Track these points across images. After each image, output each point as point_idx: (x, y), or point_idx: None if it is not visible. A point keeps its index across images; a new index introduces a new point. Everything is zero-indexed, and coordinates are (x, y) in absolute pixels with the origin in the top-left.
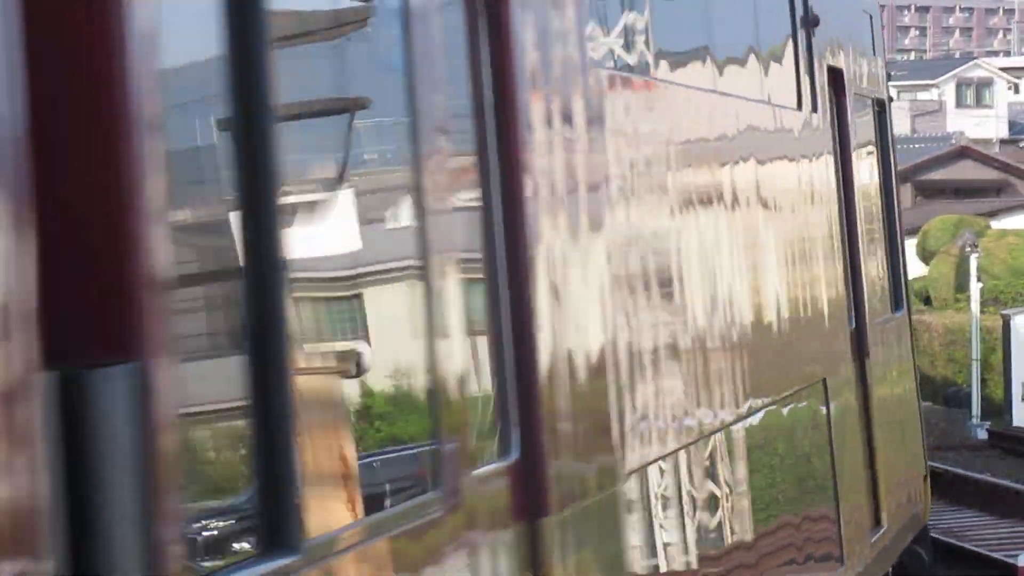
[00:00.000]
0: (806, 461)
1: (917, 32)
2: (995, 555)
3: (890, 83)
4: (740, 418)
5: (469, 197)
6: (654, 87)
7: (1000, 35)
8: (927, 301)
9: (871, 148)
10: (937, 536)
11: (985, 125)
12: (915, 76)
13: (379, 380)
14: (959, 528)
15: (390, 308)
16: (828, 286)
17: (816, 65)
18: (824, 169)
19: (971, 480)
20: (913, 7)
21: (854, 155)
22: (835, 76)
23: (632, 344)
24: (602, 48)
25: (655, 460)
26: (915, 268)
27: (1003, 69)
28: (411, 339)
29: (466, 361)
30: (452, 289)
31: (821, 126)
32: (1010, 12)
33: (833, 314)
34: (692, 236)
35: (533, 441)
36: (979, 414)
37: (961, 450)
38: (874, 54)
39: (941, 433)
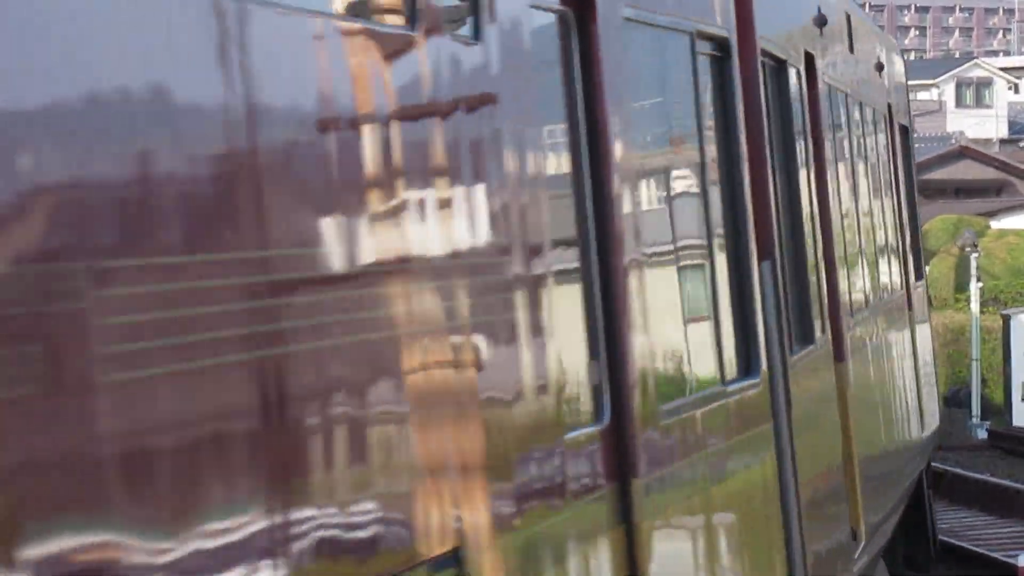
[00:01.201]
0: None
1: (917, 32)
2: (995, 555)
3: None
4: None
5: None
6: None
7: (1000, 35)
8: (928, 301)
9: (682, 115)
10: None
11: (985, 125)
12: (915, 76)
13: None
14: (959, 528)
15: None
16: (497, 369)
17: None
18: (507, 146)
19: (971, 480)
20: (913, 7)
21: (616, 123)
22: None
23: None
24: None
25: None
26: None
27: (1003, 69)
28: None
29: None
30: None
31: (497, 66)
32: (1010, 12)
33: (504, 422)
34: None
35: None
36: (979, 414)
37: (961, 450)
38: None
39: (942, 433)
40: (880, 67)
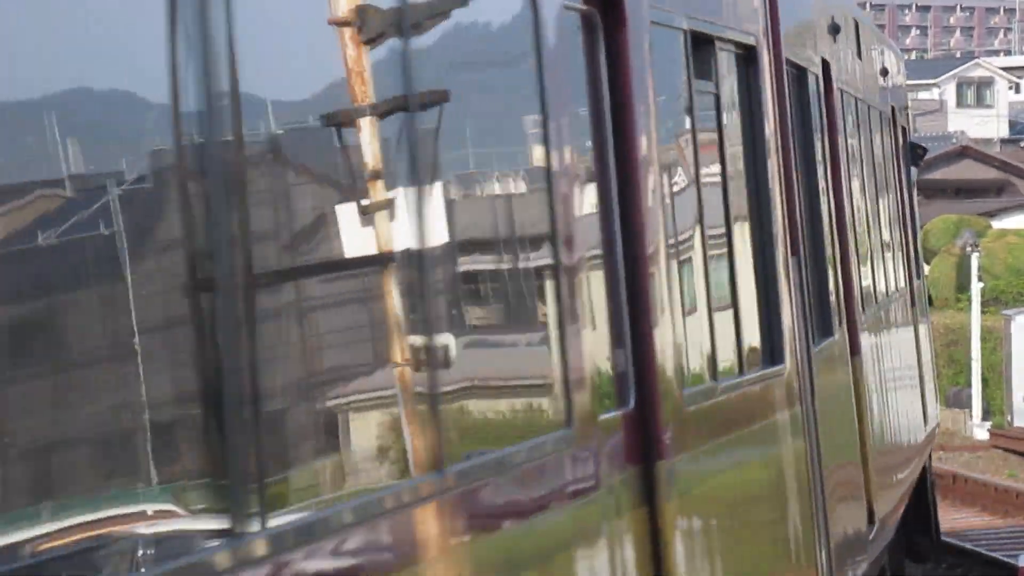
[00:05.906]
0: None
1: (918, 31)
2: (995, 555)
3: None
4: None
5: None
6: None
7: (1001, 34)
8: (928, 301)
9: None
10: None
11: (986, 125)
12: (916, 76)
13: None
14: (960, 528)
15: None
16: None
17: None
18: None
19: (972, 480)
20: (914, 7)
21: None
22: None
23: None
24: None
25: None
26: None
27: (1004, 69)
28: None
29: None
30: None
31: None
32: (1011, 11)
33: None
34: None
35: None
36: (980, 414)
37: (962, 450)
38: None
39: (942, 434)
40: (884, 72)
